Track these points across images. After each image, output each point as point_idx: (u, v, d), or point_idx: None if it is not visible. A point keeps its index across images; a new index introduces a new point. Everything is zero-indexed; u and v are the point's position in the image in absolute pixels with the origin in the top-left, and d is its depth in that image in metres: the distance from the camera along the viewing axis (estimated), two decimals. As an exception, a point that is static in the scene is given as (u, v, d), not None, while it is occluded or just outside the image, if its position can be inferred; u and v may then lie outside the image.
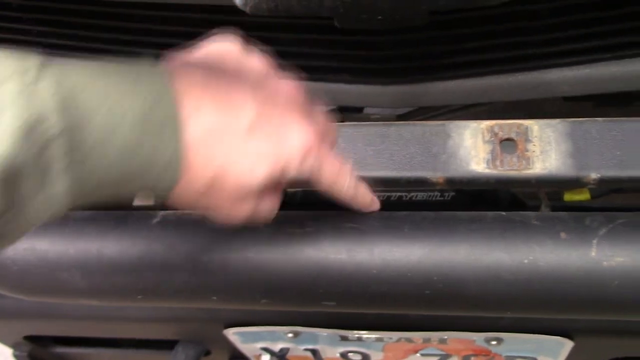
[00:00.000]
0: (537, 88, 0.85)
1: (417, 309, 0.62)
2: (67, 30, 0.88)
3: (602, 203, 1.02)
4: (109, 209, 0.74)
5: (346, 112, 1.07)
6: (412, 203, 0.92)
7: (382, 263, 0.59)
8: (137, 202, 0.51)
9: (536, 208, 0.94)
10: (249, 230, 0.65)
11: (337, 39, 0.79)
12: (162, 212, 0.68)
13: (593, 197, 1.00)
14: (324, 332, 0.90)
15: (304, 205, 0.93)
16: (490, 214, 0.63)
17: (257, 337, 0.94)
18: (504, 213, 0.62)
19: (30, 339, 1.09)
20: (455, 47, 0.81)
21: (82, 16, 0.85)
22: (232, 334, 0.93)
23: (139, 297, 0.65)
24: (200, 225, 0.65)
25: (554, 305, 0.58)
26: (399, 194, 0.93)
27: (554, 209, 0.92)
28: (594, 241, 0.57)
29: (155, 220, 0.66)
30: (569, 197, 1.00)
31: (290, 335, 0.91)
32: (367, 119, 1.08)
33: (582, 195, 1.00)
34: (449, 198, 0.93)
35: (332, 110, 1.08)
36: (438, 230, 0.61)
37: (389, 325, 0.86)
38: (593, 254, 0.57)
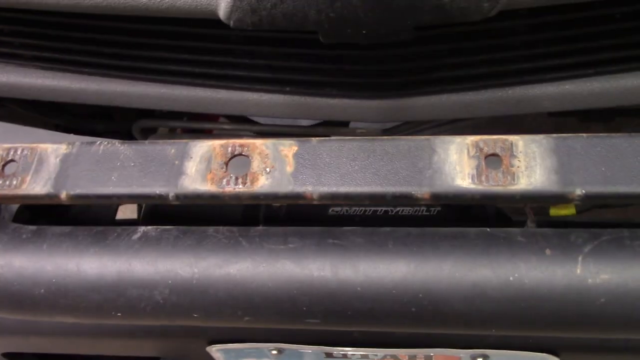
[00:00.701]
0: (520, 104, 0.85)
1: (403, 326, 0.61)
2: (48, 43, 0.88)
3: (588, 218, 1.02)
4: (89, 224, 0.73)
5: (332, 127, 1.07)
6: (398, 218, 0.91)
7: (367, 280, 0.58)
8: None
9: (522, 223, 0.94)
10: (231, 246, 0.64)
11: (322, 53, 0.79)
12: (143, 228, 0.67)
13: (579, 212, 1.00)
14: (308, 349, 0.89)
15: (288, 220, 0.92)
16: (475, 230, 0.62)
17: (240, 354, 0.92)
18: (488, 230, 0.62)
19: (9, 355, 1.06)
20: (439, 63, 0.82)
21: (63, 29, 0.84)
22: (216, 351, 0.92)
23: (118, 314, 0.63)
24: (181, 242, 0.64)
25: (539, 323, 0.58)
26: (384, 208, 0.93)
27: (539, 224, 0.92)
28: (579, 258, 0.57)
29: (135, 236, 0.65)
30: (554, 212, 1.00)
31: (274, 352, 0.90)
32: (353, 133, 1.07)
33: (568, 210, 1.01)
34: (435, 213, 0.92)
35: (318, 125, 1.08)
36: (423, 246, 0.60)
37: (374, 342, 0.85)
38: (578, 271, 0.56)
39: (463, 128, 1.10)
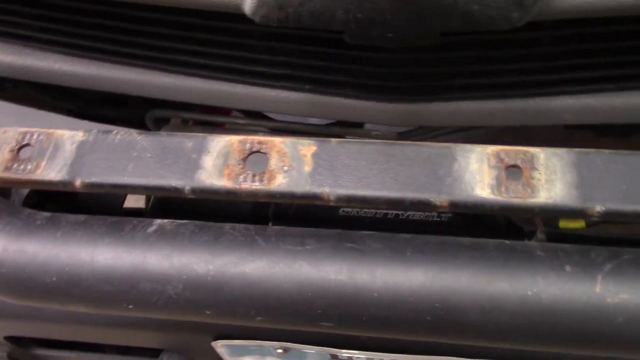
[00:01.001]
0: (539, 115, 0.84)
1: (417, 335, 0.61)
2: (66, 28, 0.87)
3: (595, 231, 1.02)
4: (97, 211, 0.72)
5: (347, 127, 1.07)
6: (408, 222, 0.91)
7: (384, 286, 0.58)
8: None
9: (532, 233, 0.94)
10: (247, 245, 0.63)
11: (344, 54, 0.79)
12: (158, 221, 0.66)
13: (588, 225, 1.00)
14: (313, 350, 0.89)
15: (298, 219, 0.91)
16: (493, 241, 0.62)
17: (245, 351, 0.92)
18: (508, 242, 0.61)
19: (11, 339, 1.06)
20: (460, 69, 0.81)
21: (83, 15, 0.84)
22: (221, 346, 0.91)
23: (130, 307, 0.63)
24: (197, 237, 0.64)
25: (555, 339, 0.57)
26: (396, 211, 0.92)
27: (549, 235, 0.91)
28: (599, 277, 0.56)
29: (151, 229, 0.65)
30: (564, 224, 1.00)
31: (279, 350, 0.89)
32: (368, 135, 1.07)
33: (578, 223, 1.00)
34: (446, 219, 0.92)
35: (333, 124, 1.07)
36: (441, 255, 0.60)
37: (380, 346, 0.85)
38: (597, 289, 0.56)
39: (475, 135, 1.09)
